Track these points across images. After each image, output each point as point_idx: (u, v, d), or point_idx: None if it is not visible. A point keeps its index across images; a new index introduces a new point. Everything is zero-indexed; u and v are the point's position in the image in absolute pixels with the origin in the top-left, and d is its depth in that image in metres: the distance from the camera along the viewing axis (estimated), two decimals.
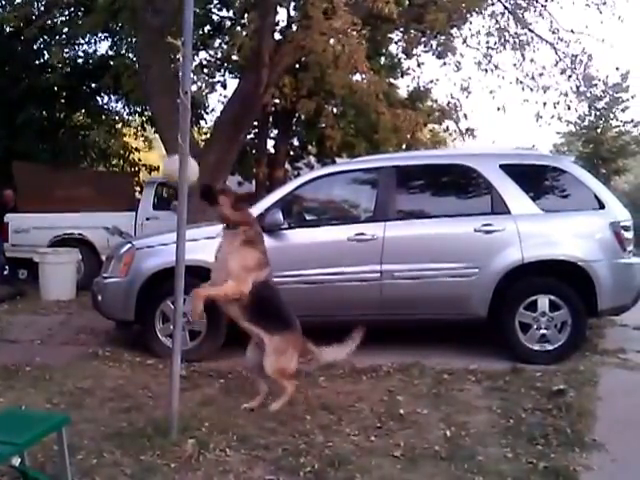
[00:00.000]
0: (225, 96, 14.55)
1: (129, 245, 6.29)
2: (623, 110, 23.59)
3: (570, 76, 11.48)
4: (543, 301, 5.70)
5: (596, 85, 12.73)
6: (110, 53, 14.78)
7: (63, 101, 15.96)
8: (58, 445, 3.14)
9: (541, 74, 11.58)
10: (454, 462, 3.64)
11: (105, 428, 4.13)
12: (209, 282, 4.47)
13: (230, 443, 3.89)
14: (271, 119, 15.15)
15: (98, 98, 16.30)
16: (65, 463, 3.12)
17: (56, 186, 11.55)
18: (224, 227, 4.48)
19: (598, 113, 22.22)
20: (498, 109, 11.75)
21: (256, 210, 6.09)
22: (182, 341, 4.46)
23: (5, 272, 10.80)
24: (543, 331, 5.71)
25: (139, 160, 17.64)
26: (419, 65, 14.29)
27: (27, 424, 3.15)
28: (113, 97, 15.99)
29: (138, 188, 14.45)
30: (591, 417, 4.31)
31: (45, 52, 14.55)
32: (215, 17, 14.00)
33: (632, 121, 23.84)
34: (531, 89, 11.64)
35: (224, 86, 14.72)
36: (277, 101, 11.65)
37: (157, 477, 3.45)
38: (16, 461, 2.89)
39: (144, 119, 16.24)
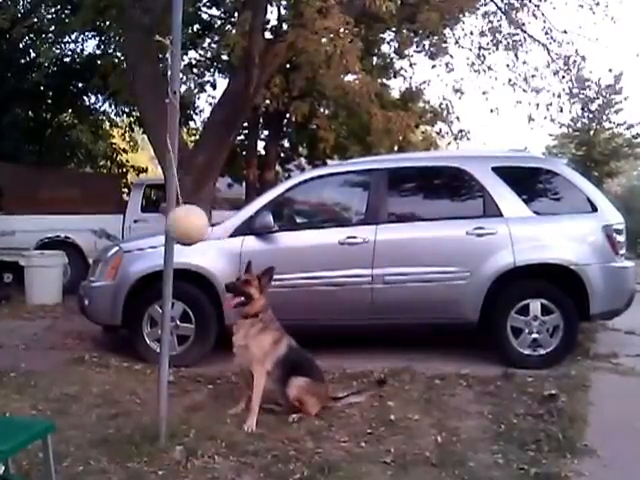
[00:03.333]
0: (214, 97, 14.51)
1: (116, 248, 6.21)
2: (616, 112, 23.57)
3: (563, 77, 11.50)
4: (535, 305, 5.67)
5: (589, 87, 12.78)
6: (97, 52, 14.63)
7: (50, 101, 15.86)
8: (43, 452, 3.07)
9: (533, 75, 11.61)
10: (445, 468, 3.59)
11: (92, 435, 4.06)
12: (236, 361, 4.63)
13: (219, 450, 3.83)
14: (262, 120, 15.10)
15: (85, 98, 16.23)
16: (50, 471, 3.04)
17: (42, 188, 11.39)
18: (242, 317, 4.57)
19: (591, 115, 22.25)
20: (492, 111, 11.78)
21: (246, 212, 6.06)
22: (170, 346, 4.40)
23: None
24: (535, 335, 5.68)
25: (127, 161, 17.54)
26: (411, 65, 14.34)
27: (11, 431, 3.06)
28: (100, 97, 15.86)
29: (126, 190, 14.34)
30: (583, 422, 4.28)
31: (31, 51, 14.42)
32: (205, 16, 13.92)
33: (625, 123, 23.85)
34: (524, 90, 11.65)
35: (214, 86, 14.67)
36: (268, 102, 11.58)
37: None
38: (0, 469, 2.83)
39: (132, 120, 16.13)
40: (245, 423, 4.26)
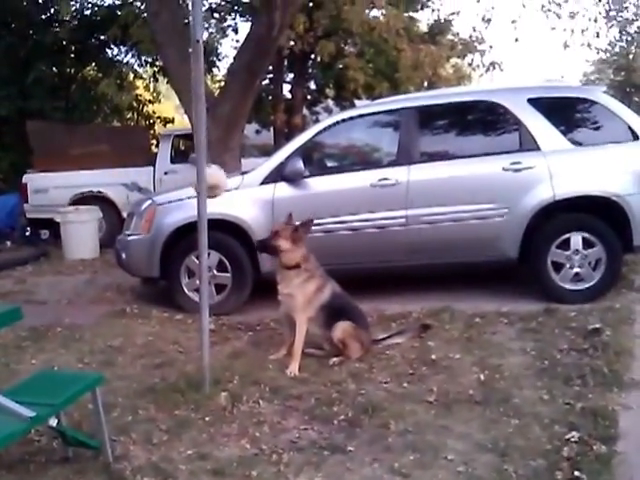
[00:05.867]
0: (237, 41, 14.25)
1: (149, 201, 6.22)
2: None
3: (599, 0, 10.97)
4: (576, 239, 5.54)
5: (627, 8, 12.19)
6: (117, 2, 14.42)
7: (73, 56, 15.74)
8: (93, 404, 3.14)
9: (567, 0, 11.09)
10: (489, 406, 3.58)
11: (138, 385, 4.14)
12: (281, 308, 4.66)
13: (263, 394, 3.88)
14: (286, 62, 14.81)
15: (108, 51, 16.05)
16: (101, 421, 3.12)
17: (72, 144, 11.44)
18: (283, 268, 4.56)
19: (630, 38, 21.33)
20: (516, 40, 11.34)
21: (276, 159, 5.98)
22: (209, 295, 4.42)
23: (27, 233, 10.83)
24: (577, 269, 5.57)
25: (153, 112, 17.44)
26: None
27: (62, 385, 3.15)
28: (123, 49, 15.71)
29: (154, 142, 14.30)
30: (629, 356, 4.20)
31: (50, 6, 14.24)
32: None
33: None
34: (557, 16, 11.15)
35: (235, 31, 14.42)
36: (292, 43, 11.30)
37: (192, 431, 3.45)
38: (53, 421, 2.90)
39: (155, 70, 15.96)
40: (288, 368, 4.30)
